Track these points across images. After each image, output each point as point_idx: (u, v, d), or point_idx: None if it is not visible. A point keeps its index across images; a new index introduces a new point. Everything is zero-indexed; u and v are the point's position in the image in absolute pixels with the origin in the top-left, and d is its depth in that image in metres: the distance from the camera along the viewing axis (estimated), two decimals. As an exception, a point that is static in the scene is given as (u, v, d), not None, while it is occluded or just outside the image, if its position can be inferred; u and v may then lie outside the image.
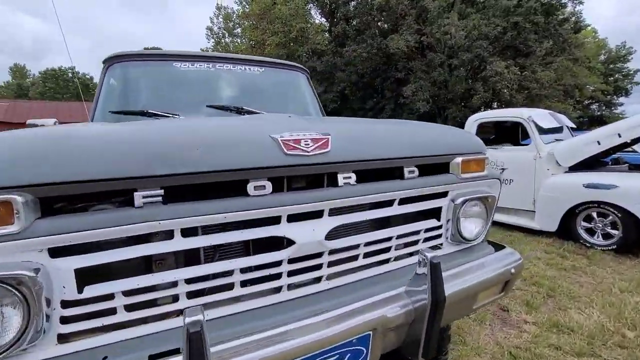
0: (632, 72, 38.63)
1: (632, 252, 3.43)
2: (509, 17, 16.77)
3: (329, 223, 1.00)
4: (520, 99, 17.19)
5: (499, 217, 4.53)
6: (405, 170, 1.16)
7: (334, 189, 1.01)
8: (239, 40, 39.21)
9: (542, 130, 4.28)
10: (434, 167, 1.27)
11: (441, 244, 1.34)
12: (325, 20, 30.24)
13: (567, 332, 2.21)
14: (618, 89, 39.08)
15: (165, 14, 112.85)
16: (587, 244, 3.67)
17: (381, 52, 20.76)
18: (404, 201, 1.16)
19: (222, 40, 39.62)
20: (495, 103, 20.34)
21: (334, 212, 1.02)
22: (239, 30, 38.56)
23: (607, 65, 39.24)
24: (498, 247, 1.46)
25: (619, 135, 3.60)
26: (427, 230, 1.25)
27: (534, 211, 4.15)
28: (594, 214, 3.64)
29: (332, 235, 1.01)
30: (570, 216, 3.81)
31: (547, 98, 18.43)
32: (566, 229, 3.88)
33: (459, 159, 1.28)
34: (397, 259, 1.21)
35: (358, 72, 24.92)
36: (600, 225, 3.61)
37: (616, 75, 39.12)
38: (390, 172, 1.17)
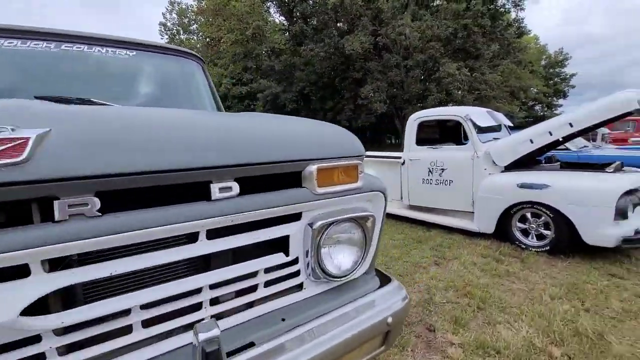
0: (568, 76, 42.23)
1: (565, 253, 3.35)
2: (459, 19, 17.39)
3: (41, 285, 0.57)
4: (471, 99, 17.91)
5: (441, 219, 4.36)
6: (214, 187, 0.76)
7: (52, 227, 0.58)
8: (195, 37, 37.53)
9: (480, 129, 4.16)
10: (278, 178, 0.89)
11: (301, 285, 0.96)
12: (283, 18, 29.68)
13: (493, 354, 1.97)
14: (557, 91, 42.49)
15: (119, 10, 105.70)
16: (522, 246, 3.57)
17: (339, 52, 20.68)
18: (231, 230, 0.77)
19: (177, 37, 37.70)
20: (450, 104, 21.11)
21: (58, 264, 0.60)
22: (195, 26, 36.92)
23: (547, 69, 42.53)
24: (384, 280, 1.12)
25: (550, 133, 3.53)
26: (268, 270, 0.87)
27: (474, 212, 4.02)
28: (528, 215, 3.54)
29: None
30: (506, 217, 3.69)
31: (496, 99, 19.42)
32: (503, 231, 3.76)
33: (313, 167, 0.91)
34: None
35: (317, 72, 24.68)
36: (534, 226, 3.52)
37: (555, 79, 42.50)
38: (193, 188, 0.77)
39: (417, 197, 4.72)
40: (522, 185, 3.46)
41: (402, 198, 4.92)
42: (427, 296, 2.68)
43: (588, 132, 4.14)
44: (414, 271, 3.18)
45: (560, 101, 44.12)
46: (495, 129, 4.50)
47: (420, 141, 4.66)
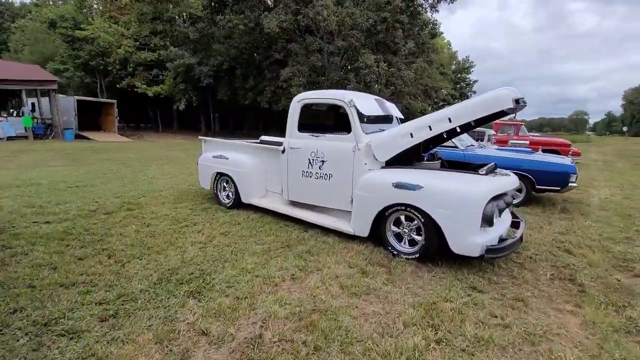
0: (472, 82, 47.64)
1: (433, 261, 3.06)
2: (379, 12, 17.50)
3: None
4: (387, 93, 18.43)
5: (318, 218, 3.80)
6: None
7: None
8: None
9: (365, 118, 3.66)
10: None
11: None
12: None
13: None
14: (462, 94, 47.59)
15: None
16: (394, 252, 3.19)
17: (259, 27, 19.19)
18: None
19: None
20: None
21: None
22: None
23: (456, 74, 47.24)
24: None
25: (430, 128, 3.17)
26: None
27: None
28: (403, 218, 3.16)
29: None
30: (381, 219, 3.27)
31: (410, 95, 20.43)
32: (379, 234, 3.35)
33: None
34: None
35: (237, 47, 22.72)
36: (407, 231, 3.16)
37: (461, 84, 47.54)
38: None
39: (296, 192, 4.09)
40: (397, 185, 3.04)
41: (282, 192, 4.25)
42: (258, 332, 2.01)
43: (470, 130, 3.99)
44: (260, 290, 2.50)
45: (464, 104, 49.51)
46: (384, 119, 4.08)
47: (303, 127, 4.01)
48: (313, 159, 3.83)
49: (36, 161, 9.20)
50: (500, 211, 2.98)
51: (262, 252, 3.22)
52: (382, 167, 3.47)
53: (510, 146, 8.67)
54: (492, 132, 10.17)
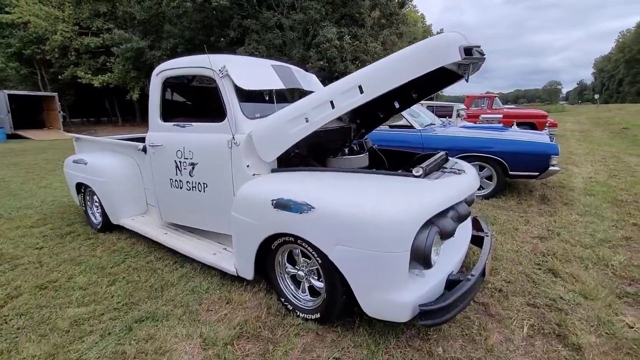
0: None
1: (340, 327, 1.89)
2: (340, -21, 15.83)
3: None
4: (354, 69, 17.01)
5: (195, 250, 2.55)
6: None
7: None
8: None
9: (247, 96, 2.39)
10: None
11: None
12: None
13: None
14: (438, 70, 46.42)
15: None
16: (289, 305, 2.01)
17: (209, 2, 17.15)
18: None
19: None
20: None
21: None
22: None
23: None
24: None
25: (332, 105, 1.93)
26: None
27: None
28: (298, 251, 1.97)
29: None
30: (268, 253, 2.07)
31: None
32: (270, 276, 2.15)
33: None
34: None
35: (191, 27, 20.57)
36: (303, 273, 1.97)
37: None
38: None
39: (168, 210, 2.82)
40: (278, 204, 1.82)
41: (147, 210, 2.97)
42: None
43: (413, 103, 2.77)
44: None
45: (441, 79, 48.52)
46: (287, 98, 2.83)
47: (168, 113, 2.69)
48: (181, 162, 2.55)
49: None
50: (448, 234, 1.83)
51: (77, 321, 1.96)
52: (273, 170, 2.24)
53: (482, 122, 7.60)
54: (462, 106, 9.09)
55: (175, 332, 1.87)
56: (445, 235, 1.81)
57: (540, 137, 4.35)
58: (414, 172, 1.91)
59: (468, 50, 1.70)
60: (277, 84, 2.59)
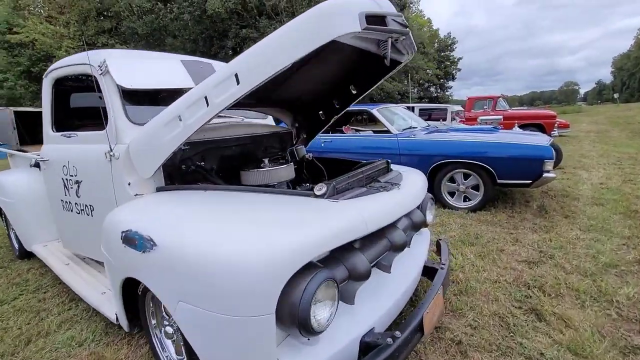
0: (456, 59, 45.62)
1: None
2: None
3: None
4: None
5: (84, 288, 2.08)
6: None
7: None
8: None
9: (135, 97, 1.94)
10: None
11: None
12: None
13: None
14: (447, 74, 45.64)
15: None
16: (161, 373, 1.49)
17: (205, 14, 17.14)
18: None
19: None
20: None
21: None
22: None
23: (439, 53, 45.18)
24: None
25: (206, 102, 1.43)
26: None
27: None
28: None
29: None
30: (139, 299, 1.57)
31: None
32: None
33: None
34: None
35: (192, 39, 20.72)
36: (172, 330, 1.46)
37: (445, 62, 45.47)
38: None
39: (66, 238, 2.37)
40: (125, 237, 1.33)
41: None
42: None
43: (352, 101, 2.25)
44: None
45: (451, 83, 47.71)
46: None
47: (60, 121, 2.26)
48: (67, 179, 2.10)
49: None
50: (360, 276, 1.29)
51: None
52: (158, 189, 1.76)
53: (480, 123, 6.97)
54: (458, 108, 8.45)
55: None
56: (358, 277, 1.29)
57: (533, 139, 3.74)
58: (315, 190, 1.39)
59: (376, 19, 1.20)
60: (186, 82, 2.12)
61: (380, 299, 1.47)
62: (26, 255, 2.96)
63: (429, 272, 1.87)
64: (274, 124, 2.74)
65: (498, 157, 3.48)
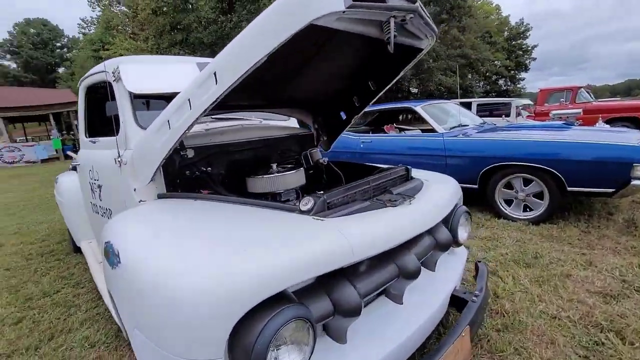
0: (529, 47, 40.86)
1: None
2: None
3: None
4: (408, 73, 15.67)
5: (101, 283, 2.16)
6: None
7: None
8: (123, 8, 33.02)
9: (146, 102, 1.93)
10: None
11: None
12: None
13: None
14: (519, 64, 41.09)
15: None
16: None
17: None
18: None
19: (113, 9, 33.03)
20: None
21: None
22: (124, -4, 32.43)
23: (510, 42, 40.90)
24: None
25: (189, 105, 1.32)
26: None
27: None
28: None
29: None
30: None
31: (439, 70, 17.25)
32: None
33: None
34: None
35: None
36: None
37: (517, 52, 40.98)
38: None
39: (97, 238, 2.50)
40: (105, 249, 1.27)
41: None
42: None
43: (372, 97, 1.97)
44: None
45: (523, 74, 42.94)
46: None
47: (92, 127, 2.38)
48: (92, 183, 2.20)
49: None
50: (349, 312, 1.05)
51: None
52: (159, 196, 1.71)
53: (552, 119, 6.00)
54: (525, 101, 7.36)
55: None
56: (345, 313, 1.06)
57: (618, 136, 3.00)
58: (301, 205, 1.18)
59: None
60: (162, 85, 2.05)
61: (386, 335, 1.21)
62: (78, 250, 3.24)
63: (458, 302, 1.53)
64: (296, 125, 2.58)
65: (567, 160, 2.86)
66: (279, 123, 2.47)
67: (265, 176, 1.76)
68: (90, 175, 2.20)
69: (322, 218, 1.13)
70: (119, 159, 1.77)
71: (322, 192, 1.22)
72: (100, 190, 2.11)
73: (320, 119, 2.33)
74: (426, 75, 16.24)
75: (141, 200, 1.70)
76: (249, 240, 1.02)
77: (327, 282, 1.08)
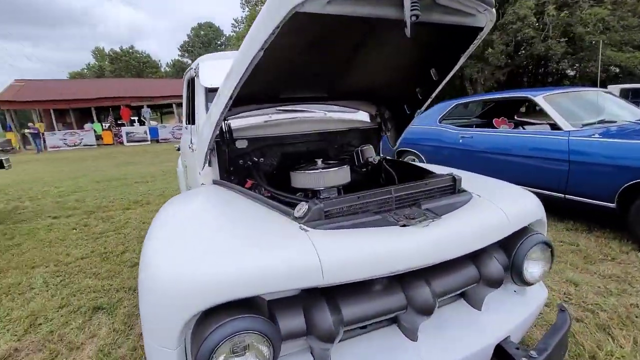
0: None
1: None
2: None
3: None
4: (559, 49, 12.56)
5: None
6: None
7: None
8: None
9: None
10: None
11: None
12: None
13: None
14: None
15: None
16: None
17: None
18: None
19: (258, 8, 37.98)
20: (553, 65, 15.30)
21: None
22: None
23: None
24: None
25: (221, 98, 1.38)
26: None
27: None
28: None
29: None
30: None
31: (610, 45, 13.13)
32: None
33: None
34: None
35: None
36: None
37: None
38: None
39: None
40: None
41: None
42: None
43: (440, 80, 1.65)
44: None
45: None
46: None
47: (189, 116, 2.78)
48: (183, 163, 2.61)
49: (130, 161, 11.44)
50: (326, 336, 0.94)
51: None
52: (214, 182, 1.89)
53: None
54: None
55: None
56: (320, 337, 0.96)
57: None
58: (295, 210, 1.10)
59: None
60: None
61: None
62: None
63: (505, 358, 1.19)
64: (365, 119, 2.41)
65: None
66: (344, 116, 2.36)
67: (304, 171, 1.72)
68: (182, 157, 2.61)
69: (309, 228, 1.03)
70: (192, 145, 2.03)
71: (320, 199, 1.11)
72: (186, 170, 2.48)
73: (384, 112, 2.12)
74: (587, 54, 12.75)
75: (202, 184, 1.92)
76: (228, 240, 1.02)
77: (307, 299, 0.99)
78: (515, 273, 1.28)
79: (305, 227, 1.03)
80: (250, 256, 0.91)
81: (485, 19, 1.10)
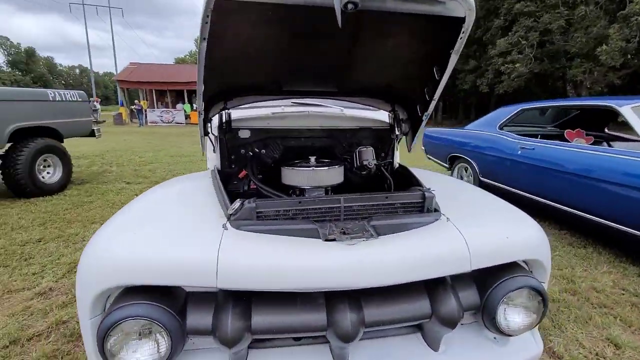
0: None
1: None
2: None
3: None
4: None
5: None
6: None
7: None
8: None
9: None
10: None
11: None
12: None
13: None
14: None
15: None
16: None
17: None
18: None
19: None
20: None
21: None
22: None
23: None
24: None
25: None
26: None
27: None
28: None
29: None
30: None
31: None
32: None
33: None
34: None
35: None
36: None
37: None
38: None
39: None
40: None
41: None
42: None
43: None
44: None
45: None
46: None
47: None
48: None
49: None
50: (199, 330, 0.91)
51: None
52: (215, 167, 1.97)
53: None
54: None
55: None
56: (220, 340, 0.94)
57: None
58: (229, 208, 1.07)
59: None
60: None
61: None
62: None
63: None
64: (384, 119, 2.22)
65: None
66: (360, 113, 2.22)
67: (293, 168, 1.67)
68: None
69: (232, 227, 0.99)
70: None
71: (255, 199, 1.05)
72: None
73: (398, 112, 1.93)
74: None
75: (209, 168, 2.03)
76: (164, 229, 1.03)
77: (222, 298, 0.97)
78: (486, 317, 1.07)
79: (228, 225, 1.00)
80: (167, 247, 0.92)
81: (462, 8, 0.90)
